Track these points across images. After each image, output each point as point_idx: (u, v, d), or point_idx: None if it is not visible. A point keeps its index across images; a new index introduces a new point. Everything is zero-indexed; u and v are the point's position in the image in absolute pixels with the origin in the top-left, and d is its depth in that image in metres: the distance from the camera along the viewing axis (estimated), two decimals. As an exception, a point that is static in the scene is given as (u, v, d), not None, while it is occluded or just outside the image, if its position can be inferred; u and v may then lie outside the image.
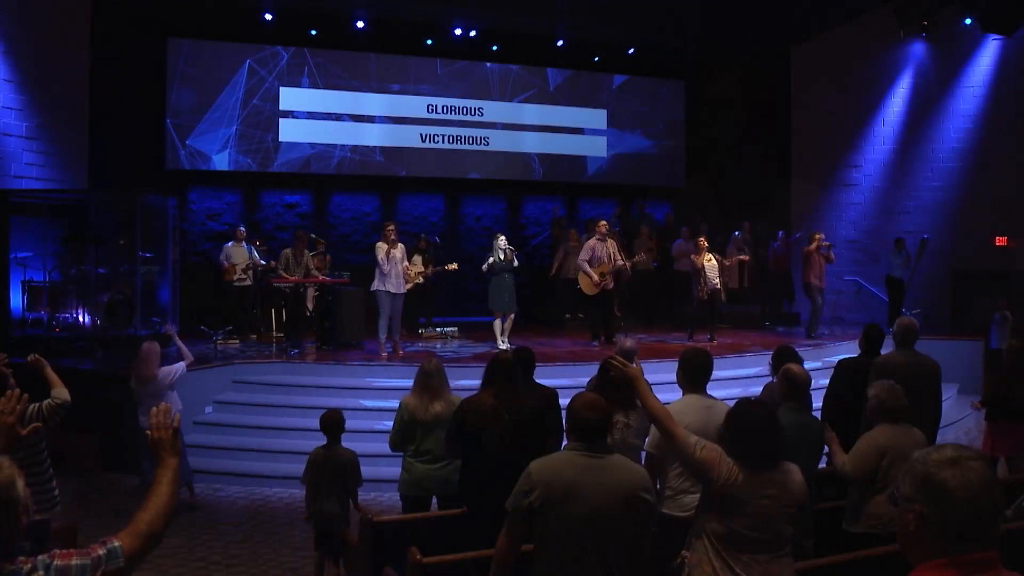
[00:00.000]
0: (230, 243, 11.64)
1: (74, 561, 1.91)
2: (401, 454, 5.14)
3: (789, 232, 14.28)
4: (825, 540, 4.11)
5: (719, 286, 11.20)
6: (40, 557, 1.89)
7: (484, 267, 10.24)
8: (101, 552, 1.96)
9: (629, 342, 5.73)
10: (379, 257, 9.59)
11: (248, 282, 11.47)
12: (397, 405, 5.13)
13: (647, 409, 3.37)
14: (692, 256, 11.50)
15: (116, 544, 2.00)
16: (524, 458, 3.16)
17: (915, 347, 5.73)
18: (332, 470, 5.13)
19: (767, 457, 3.03)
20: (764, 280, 14.16)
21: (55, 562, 1.89)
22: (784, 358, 5.15)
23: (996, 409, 6.60)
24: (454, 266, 11.24)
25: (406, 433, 4.99)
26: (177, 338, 7.18)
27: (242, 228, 11.92)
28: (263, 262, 11.53)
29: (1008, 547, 1.62)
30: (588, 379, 5.05)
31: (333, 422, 5.27)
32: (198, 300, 11.54)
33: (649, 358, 8.95)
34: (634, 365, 3.56)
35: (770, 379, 5.58)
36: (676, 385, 4.36)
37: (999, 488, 1.59)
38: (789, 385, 4.51)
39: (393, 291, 9.63)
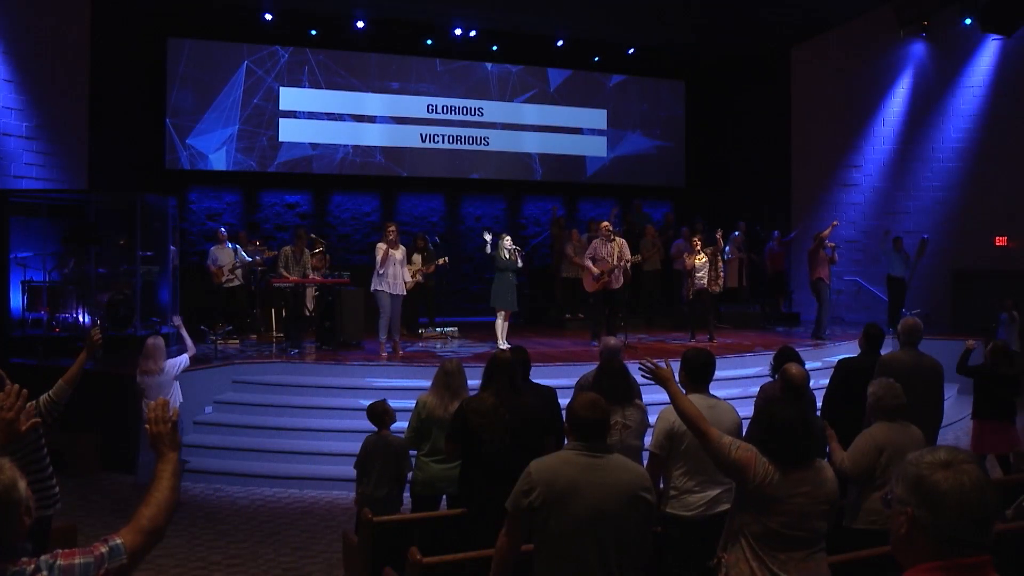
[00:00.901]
0: (214, 245, 11.66)
1: (77, 560, 1.91)
2: (413, 453, 5.16)
3: (784, 232, 14.30)
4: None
5: (707, 285, 11.17)
6: (43, 557, 1.89)
7: (487, 249, 10.25)
8: (103, 550, 1.96)
9: (613, 340, 5.78)
10: (378, 257, 9.64)
11: (237, 282, 11.48)
12: (414, 404, 5.12)
13: (679, 410, 3.39)
14: (685, 255, 11.51)
15: (118, 541, 2.00)
16: (524, 458, 3.17)
17: (918, 347, 5.76)
18: (383, 456, 5.24)
19: (802, 456, 3.06)
20: (761, 280, 14.18)
21: (58, 562, 1.89)
22: (786, 359, 5.18)
23: (984, 408, 6.68)
24: (444, 260, 11.34)
25: (422, 431, 4.98)
26: (183, 328, 7.23)
27: (223, 230, 11.91)
28: (249, 259, 11.54)
29: (1009, 547, 1.62)
30: (583, 373, 5.11)
31: (375, 413, 5.43)
32: (197, 300, 11.55)
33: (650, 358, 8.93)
34: (663, 365, 3.60)
35: (769, 379, 5.60)
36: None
37: (993, 491, 1.58)
38: (787, 385, 4.53)
39: (392, 292, 9.66)
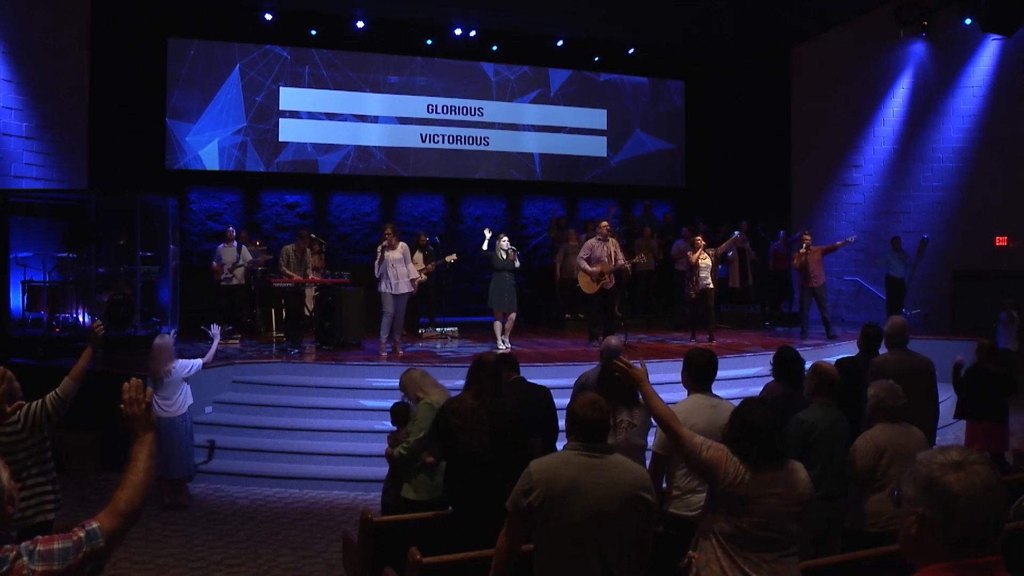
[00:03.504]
0: (221, 244, 11.71)
1: (56, 545, 1.96)
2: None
3: (790, 232, 14.28)
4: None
5: (711, 285, 11.13)
6: (24, 544, 1.94)
7: (484, 246, 10.25)
8: (81, 534, 2.02)
9: (614, 340, 5.78)
10: (376, 260, 9.73)
11: (236, 281, 11.46)
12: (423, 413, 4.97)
13: (651, 410, 3.37)
14: (688, 253, 11.48)
15: (95, 525, 2.05)
16: (507, 459, 3.16)
17: (912, 346, 5.75)
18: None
19: (773, 456, 3.04)
20: (764, 280, 14.17)
21: (38, 547, 1.94)
22: (785, 359, 5.18)
23: (971, 408, 6.66)
24: (453, 257, 11.34)
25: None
26: (217, 338, 7.17)
27: (231, 229, 11.93)
28: (251, 258, 11.53)
29: (1008, 547, 1.61)
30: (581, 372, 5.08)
31: (391, 413, 5.52)
32: (198, 300, 11.54)
33: (650, 358, 8.94)
34: (639, 365, 3.56)
35: (770, 379, 5.59)
36: (678, 385, 4.37)
37: (1003, 492, 1.58)
38: (820, 381, 4.52)
39: (393, 292, 9.67)
